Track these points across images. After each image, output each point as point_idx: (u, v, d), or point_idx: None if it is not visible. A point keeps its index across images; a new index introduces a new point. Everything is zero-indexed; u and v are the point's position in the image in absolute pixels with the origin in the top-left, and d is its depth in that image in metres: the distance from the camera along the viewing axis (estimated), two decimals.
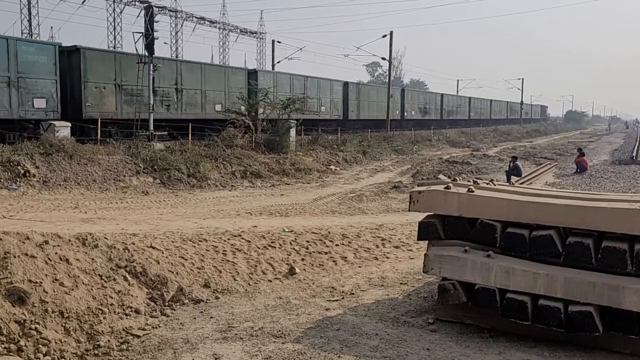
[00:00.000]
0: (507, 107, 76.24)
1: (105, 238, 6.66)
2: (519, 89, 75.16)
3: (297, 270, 7.51)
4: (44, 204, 11.84)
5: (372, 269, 7.87)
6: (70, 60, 19.14)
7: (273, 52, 40.09)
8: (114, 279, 6.06)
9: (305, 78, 31.97)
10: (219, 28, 58.19)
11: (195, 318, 5.86)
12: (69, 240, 6.29)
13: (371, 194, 15.82)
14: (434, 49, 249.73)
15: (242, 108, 23.66)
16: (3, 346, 4.81)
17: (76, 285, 5.67)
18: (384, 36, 38.22)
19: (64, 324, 5.23)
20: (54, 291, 5.45)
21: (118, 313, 5.66)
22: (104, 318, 5.49)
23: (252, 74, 27.67)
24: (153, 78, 20.40)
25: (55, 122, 17.40)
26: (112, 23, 49.31)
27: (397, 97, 43.72)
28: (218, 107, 24.85)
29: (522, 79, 75.73)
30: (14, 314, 5.07)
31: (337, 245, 8.67)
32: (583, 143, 40.19)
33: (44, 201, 12.27)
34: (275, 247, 8.08)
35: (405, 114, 44.77)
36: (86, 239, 6.43)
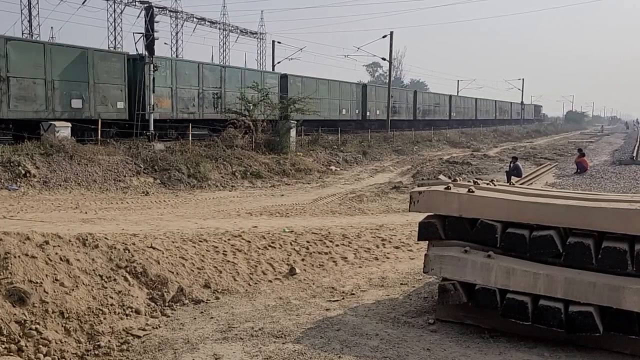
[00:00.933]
0: (495, 107, 70.52)
1: (105, 238, 6.66)
2: (519, 89, 75.19)
3: (298, 270, 7.51)
4: (45, 204, 11.85)
5: (372, 270, 7.87)
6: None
7: (273, 52, 40.12)
8: (115, 280, 6.06)
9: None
10: (220, 28, 58.22)
11: (195, 318, 5.86)
12: (70, 241, 6.29)
13: (371, 195, 15.82)
14: (434, 49, 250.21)
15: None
16: (3, 346, 4.81)
17: (76, 286, 5.67)
18: (384, 36, 38.28)
19: (64, 324, 5.23)
20: (55, 291, 5.45)
21: (118, 313, 5.66)
22: (105, 318, 5.49)
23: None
24: (153, 78, 20.44)
25: (56, 122, 17.42)
26: (113, 23, 49.33)
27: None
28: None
29: (522, 79, 75.79)
30: (15, 314, 5.07)
31: (337, 245, 8.67)
32: (583, 143, 40.17)
33: (45, 201, 12.27)
34: (275, 248, 8.09)
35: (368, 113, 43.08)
36: (86, 240, 6.43)
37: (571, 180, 19.15)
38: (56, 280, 5.59)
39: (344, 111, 35.53)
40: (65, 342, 5.08)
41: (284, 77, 30.01)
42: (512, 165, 19.04)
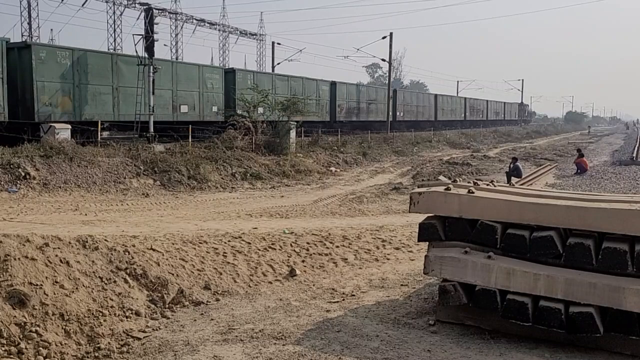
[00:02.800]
0: (465, 106, 59.05)
1: (105, 240, 6.66)
2: (518, 89, 75.20)
3: (298, 271, 7.51)
4: (44, 207, 11.84)
5: (372, 271, 7.87)
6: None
7: (273, 53, 40.22)
8: (114, 281, 6.06)
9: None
10: (219, 30, 58.21)
11: (195, 320, 5.85)
12: (69, 243, 6.29)
13: (371, 196, 15.82)
14: (434, 50, 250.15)
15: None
16: (3, 349, 4.81)
17: (76, 288, 5.67)
18: (383, 37, 38.34)
19: (64, 327, 5.23)
20: (55, 293, 5.45)
21: (118, 315, 5.66)
22: (105, 320, 5.48)
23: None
24: (153, 80, 20.45)
25: (56, 125, 17.47)
26: (112, 25, 49.36)
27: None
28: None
29: (522, 80, 75.71)
30: (15, 316, 5.07)
31: (337, 246, 8.67)
32: (583, 144, 40.17)
33: (44, 203, 12.27)
34: (275, 249, 8.08)
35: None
36: (86, 242, 6.43)
37: (571, 180, 19.15)
38: (56, 282, 5.59)
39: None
40: (65, 344, 5.08)
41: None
42: (512, 165, 19.03)
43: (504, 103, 75.04)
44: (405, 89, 58.33)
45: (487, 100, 67.64)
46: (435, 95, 53.65)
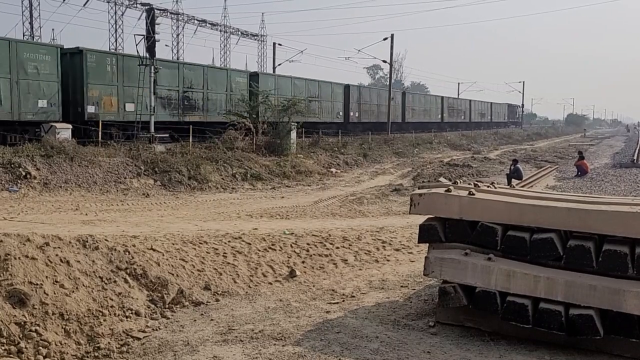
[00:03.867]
0: (442, 105, 51.91)
1: (105, 240, 6.66)
2: (519, 91, 75.07)
3: (298, 272, 7.51)
4: (45, 206, 11.85)
5: (372, 272, 7.86)
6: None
7: (274, 54, 40.24)
8: (115, 281, 6.06)
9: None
10: (220, 30, 58.29)
11: (195, 320, 5.85)
12: (70, 242, 6.29)
13: (372, 197, 15.81)
14: (436, 52, 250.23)
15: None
16: (3, 348, 4.81)
17: (76, 287, 5.67)
18: (385, 39, 38.36)
19: (64, 326, 5.23)
20: (55, 293, 5.45)
21: (118, 315, 5.66)
22: (104, 320, 5.48)
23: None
24: (155, 81, 20.50)
25: (57, 124, 17.55)
26: (114, 25, 49.48)
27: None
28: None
29: (523, 82, 75.27)
30: (15, 315, 5.07)
31: (337, 247, 8.66)
32: (584, 146, 40.16)
33: (45, 203, 12.28)
34: (275, 250, 8.08)
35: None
36: (87, 241, 6.43)
37: (572, 183, 19.13)
38: (56, 281, 5.59)
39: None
40: (65, 343, 5.08)
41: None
42: (512, 167, 19.03)
43: (491, 103, 68.32)
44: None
45: (470, 100, 61.52)
46: (403, 93, 47.82)
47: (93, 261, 6.16)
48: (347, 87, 37.06)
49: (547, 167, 24.81)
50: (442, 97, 53.87)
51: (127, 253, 6.51)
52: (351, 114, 37.25)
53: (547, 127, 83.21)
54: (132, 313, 5.76)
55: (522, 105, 77.35)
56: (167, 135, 22.77)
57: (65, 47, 19.86)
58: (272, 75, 32.67)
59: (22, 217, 10.25)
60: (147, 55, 20.21)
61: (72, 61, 19.52)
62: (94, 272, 6.03)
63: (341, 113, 36.21)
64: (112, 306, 5.71)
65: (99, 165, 15.35)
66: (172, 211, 12.27)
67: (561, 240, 5.17)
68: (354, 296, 6.75)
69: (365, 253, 8.67)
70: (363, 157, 26.08)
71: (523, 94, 75.35)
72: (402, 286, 7.17)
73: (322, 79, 34.84)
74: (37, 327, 5.06)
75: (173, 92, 23.15)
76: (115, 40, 49.49)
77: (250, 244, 8.05)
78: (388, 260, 8.45)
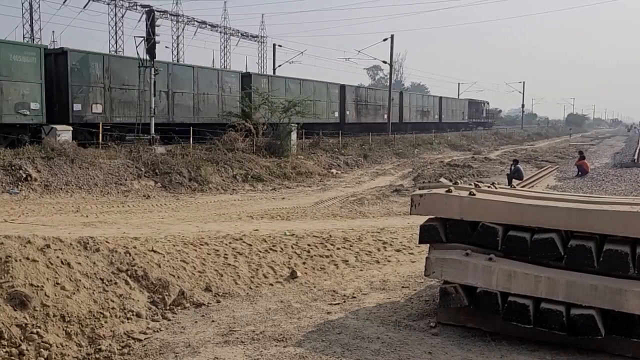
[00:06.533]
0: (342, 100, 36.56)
1: (106, 242, 6.67)
2: (520, 92, 74.93)
3: (299, 273, 7.51)
4: (46, 208, 11.86)
5: (373, 273, 7.86)
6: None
7: (274, 55, 40.27)
8: (115, 283, 6.06)
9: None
10: (220, 32, 58.26)
11: (196, 322, 5.85)
12: (71, 244, 6.30)
13: (372, 198, 15.81)
14: (436, 52, 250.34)
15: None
16: (4, 350, 4.81)
17: (77, 289, 5.67)
18: (385, 40, 38.36)
19: (65, 328, 5.23)
20: (56, 295, 5.45)
21: (119, 317, 5.66)
22: (106, 322, 5.49)
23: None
24: (154, 82, 20.50)
25: (57, 126, 17.55)
26: (114, 27, 49.48)
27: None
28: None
29: (523, 82, 74.98)
30: (16, 318, 5.08)
31: (338, 248, 8.66)
32: (584, 146, 40.16)
33: (46, 205, 12.28)
34: (276, 251, 8.08)
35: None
36: (87, 243, 6.44)
37: (572, 183, 19.13)
38: (57, 283, 5.59)
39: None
40: (66, 345, 5.09)
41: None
42: (513, 168, 19.03)
43: (442, 99, 53.87)
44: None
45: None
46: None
47: (94, 263, 6.16)
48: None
49: (548, 167, 24.81)
50: (383, 91, 43.23)
51: (128, 255, 6.52)
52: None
53: (548, 127, 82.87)
54: (133, 315, 5.76)
55: (523, 104, 76.97)
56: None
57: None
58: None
59: (23, 219, 10.26)
60: (148, 57, 20.22)
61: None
62: (94, 273, 6.04)
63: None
64: (113, 308, 5.71)
65: (99, 167, 15.36)
66: (172, 213, 12.28)
67: (562, 240, 5.17)
68: (355, 297, 6.75)
69: (366, 254, 8.67)
70: (363, 158, 26.08)
71: (523, 94, 75.14)
72: (403, 287, 7.16)
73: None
74: (38, 329, 5.06)
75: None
76: (116, 42, 49.53)
77: (251, 245, 8.05)
78: (389, 261, 8.45)
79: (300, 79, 32.36)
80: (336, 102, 35.81)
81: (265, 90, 26.46)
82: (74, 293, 5.59)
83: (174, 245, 7.32)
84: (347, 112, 36.91)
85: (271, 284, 7.16)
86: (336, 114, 35.80)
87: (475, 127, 61.12)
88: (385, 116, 39.67)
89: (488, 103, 69.52)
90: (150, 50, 20.18)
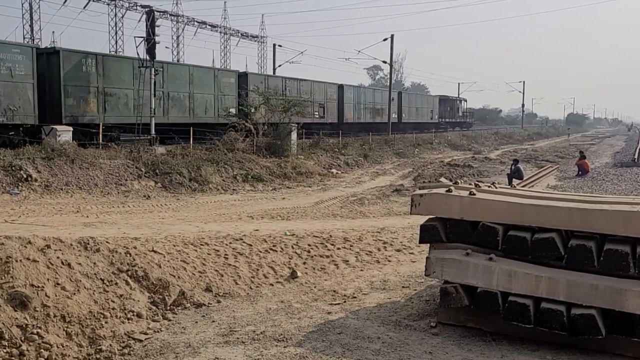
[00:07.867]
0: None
1: (107, 242, 6.67)
2: (520, 91, 74.82)
3: (299, 273, 7.51)
4: (46, 209, 11.86)
5: (374, 273, 7.86)
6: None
7: (274, 56, 40.28)
8: (116, 283, 6.06)
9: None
10: (220, 32, 58.18)
11: (197, 322, 5.85)
12: (71, 245, 6.30)
13: (373, 198, 15.81)
14: (436, 52, 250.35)
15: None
16: (5, 351, 4.81)
17: (78, 290, 5.68)
18: (385, 39, 38.35)
19: (65, 329, 5.23)
20: (56, 295, 5.45)
21: (120, 317, 5.66)
22: (106, 322, 5.49)
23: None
24: (155, 82, 20.50)
25: (57, 127, 17.55)
26: (114, 27, 49.42)
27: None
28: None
29: (523, 82, 74.81)
30: (16, 318, 5.08)
31: (338, 248, 8.66)
32: (584, 146, 40.14)
33: (46, 205, 12.28)
34: (276, 251, 8.08)
35: None
36: (88, 243, 6.44)
37: (572, 182, 19.12)
38: (57, 284, 5.59)
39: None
40: (66, 346, 5.09)
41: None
42: (513, 167, 19.03)
43: (401, 94, 46.05)
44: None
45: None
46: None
47: (94, 263, 6.16)
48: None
49: (548, 166, 24.80)
50: (327, 84, 35.44)
51: (128, 255, 6.52)
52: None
53: (548, 127, 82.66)
54: (133, 315, 5.76)
55: (523, 104, 76.77)
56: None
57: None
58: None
59: (23, 219, 10.26)
60: (148, 57, 20.22)
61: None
62: (95, 274, 6.04)
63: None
64: (113, 308, 5.71)
65: (99, 168, 15.36)
66: (173, 213, 12.27)
67: (562, 240, 5.17)
68: (355, 297, 6.75)
69: (367, 254, 8.67)
70: (364, 158, 26.07)
71: (523, 93, 75.00)
72: (403, 287, 7.16)
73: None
74: (39, 330, 5.06)
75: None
76: (116, 43, 49.47)
77: (251, 245, 8.05)
78: (389, 261, 8.45)
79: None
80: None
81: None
82: (75, 293, 5.59)
83: (174, 246, 7.32)
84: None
85: (271, 284, 7.16)
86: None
87: (447, 129, 53.14)
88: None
89: (465, 100, 62.38)
90: (151, 50, 20.19)
